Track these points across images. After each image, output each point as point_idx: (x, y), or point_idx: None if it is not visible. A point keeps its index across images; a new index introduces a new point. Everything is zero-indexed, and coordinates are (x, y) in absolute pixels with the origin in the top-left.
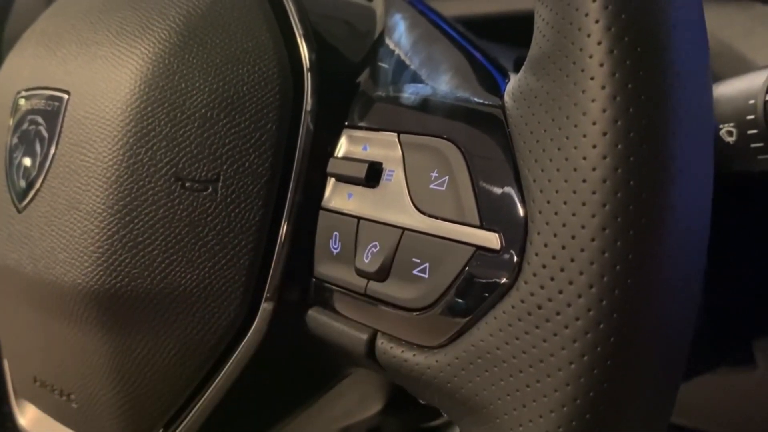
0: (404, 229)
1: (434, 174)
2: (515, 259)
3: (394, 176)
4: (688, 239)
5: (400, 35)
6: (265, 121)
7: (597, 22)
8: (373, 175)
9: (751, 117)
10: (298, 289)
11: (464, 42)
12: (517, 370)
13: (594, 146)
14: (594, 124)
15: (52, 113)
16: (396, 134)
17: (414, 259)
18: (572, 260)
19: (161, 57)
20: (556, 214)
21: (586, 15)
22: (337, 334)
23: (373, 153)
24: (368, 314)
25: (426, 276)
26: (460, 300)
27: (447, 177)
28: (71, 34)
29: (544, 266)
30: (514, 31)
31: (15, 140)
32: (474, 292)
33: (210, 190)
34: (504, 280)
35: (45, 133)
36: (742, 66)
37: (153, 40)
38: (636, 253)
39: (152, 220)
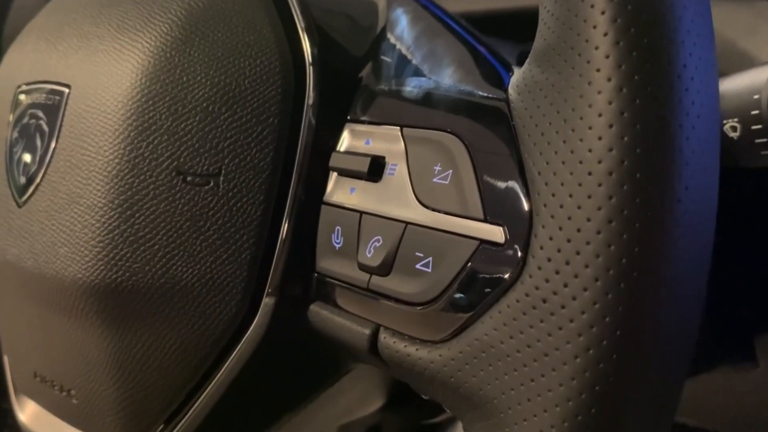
0: (407, 223)
1: (437, 168)
2: (519, 252)
3: (397, 170)
4: (694, 231)
5: (403, 29)
6: (267, 115)
7: (603, 13)
8: (375, 169)
9: (756, 112)
10: (299, 284)
11: (467, 36)
12: (521, 365)
13: (600, 138)
14: (600, 116)
15: (53, 107)
16: (399, 128)
17: (417, 253)
18: (578, 253)
19: (163, 50)
20: (561, 207)
21: (592, 6)
22: (339, 329)
23: (375, 147)
24: (371, 309)
25: (429, 270)
26: (463, 294)
27: (450, 171)
28: (72, 27)
29: (549, 259)
30: (516, 27)
31: (15, 135)
32: (478, 286)
33: (211, 184)
34: (508, 274)
35: (45, 128)
36: (745, 63)
37: (154, 33)
38: (642, 246)
39: (153, 215)
